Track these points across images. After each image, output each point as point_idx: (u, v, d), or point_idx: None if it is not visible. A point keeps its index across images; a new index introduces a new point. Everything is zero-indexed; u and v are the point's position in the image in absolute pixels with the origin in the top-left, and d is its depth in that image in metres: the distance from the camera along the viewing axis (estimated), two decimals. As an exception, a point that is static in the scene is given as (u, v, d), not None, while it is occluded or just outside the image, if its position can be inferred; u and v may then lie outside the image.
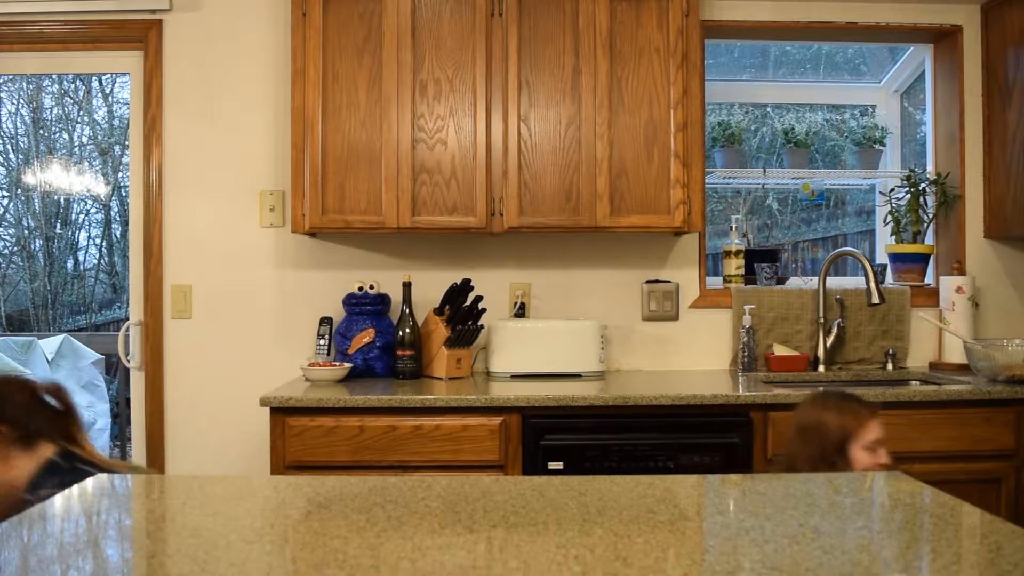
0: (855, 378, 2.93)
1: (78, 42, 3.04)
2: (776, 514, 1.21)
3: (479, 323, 2.79)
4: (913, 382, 2.92)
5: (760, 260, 3.14)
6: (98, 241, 7.50)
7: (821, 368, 2.96)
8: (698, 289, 3.08)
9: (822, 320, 2.98)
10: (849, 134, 3.37)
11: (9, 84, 6.88)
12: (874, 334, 3.05)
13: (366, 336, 2.82)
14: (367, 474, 2.17)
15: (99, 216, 7.45)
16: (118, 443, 5.53)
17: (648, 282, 3.05)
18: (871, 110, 3.45)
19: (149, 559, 1.05)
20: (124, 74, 3.31)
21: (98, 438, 4.92)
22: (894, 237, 3.17)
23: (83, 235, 7.49)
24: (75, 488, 1.37)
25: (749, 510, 1.25)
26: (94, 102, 7.30)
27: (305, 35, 2.68)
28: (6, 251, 7.32)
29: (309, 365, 2.69)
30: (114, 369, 5.88)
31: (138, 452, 3.03)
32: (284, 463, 2.39)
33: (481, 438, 2.39)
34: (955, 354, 2.95)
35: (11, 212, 7.34)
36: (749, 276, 3.13)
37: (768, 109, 3.55)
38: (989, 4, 3.05)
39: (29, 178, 6.95)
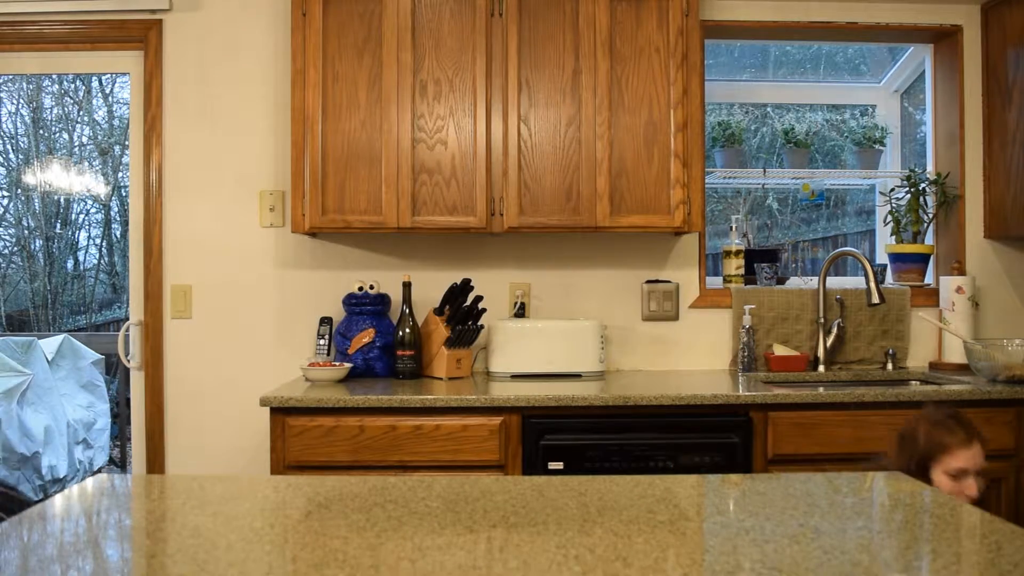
0: (855, 378, 2.93)
1: (78, 42, 3.04)
2: (776, 514, 1.21)
3: (479, 323, 2.79)
4: (913, 382, 2.92)
5: (760, 260, 3.14)
6: (98, 241, 7.50)
7: (821, 368, 2.96)
8: (698, 289, 3.08)
9: (822, 320, 2.98)
10: (849, 134, 3.37)
11: (9, 84, 6.88)
12: (874, 334, 3.05)
13: (366, 336, 2.82)
14: (367, 474, 2.17)
15: (99, 216, 7.46)
16: (118, 443, 5.54)
17: (648, 282, 3.05)
18: (871, 110, 3.45)
19: (149, 559, 1.05)
20: (124, 74, 3.31)
21: (98, 438, 4.91)
22: (894, 237, 3.17)
23: (83, 235, 7.49)
24: (75, 488, 1.37)
25: (749, 510, 1.25)
26: (94, 102, 7.30)
27: (305, 35, 2.68)
28: (6, 251, 7.32)
29: (309, 365, 2.69)
30: (114, 369, 5.88)
31: (138, 452, 3.03)
32: (284, 463, 2.39)
33: (481, 438, 2.39)
34: (955, 354, 2.95)
35: (11, 212, 7.34)
36: (749, 276, 3.13)
37: (768, 109, 3.55)
38: (989, 4, 3.05)
39: (29, 178, 6.95)
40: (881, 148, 3.28)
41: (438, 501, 1.29)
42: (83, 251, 7.51)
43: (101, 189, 7.19)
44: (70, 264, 7.47)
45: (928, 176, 3.19)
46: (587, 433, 2.41)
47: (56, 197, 7.06)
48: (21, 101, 7.06)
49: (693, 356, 3.07)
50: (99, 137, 7.28)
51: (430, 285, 2.99)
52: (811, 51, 3.53)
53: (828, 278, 3.05)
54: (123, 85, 7.08)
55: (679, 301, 3.07)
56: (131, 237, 3.08)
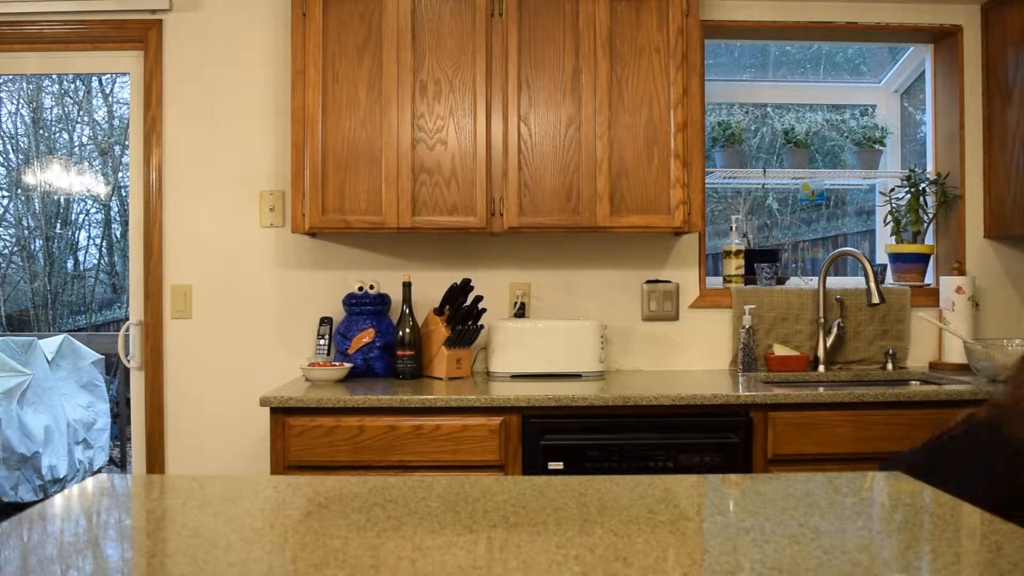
0: (855, 378, 2.93)
1: (78, 42, 3.04)
2: (776, 514, 1.21)
3: (479, 323, 2.79)
4: (913, 382, 2.92)
5: (760, 260, 3.14)
6: (98, 241, 7.50)
7: (821, 368, 2.96)
8: (698, 289, 3.08)
9: (822, 320, 2.98)
10: (849, 134, 3.37)
11: (9, 84, 6.88)
12: (874, 334, 3.05)
13: (366, 336, 2.82)
14: (367, 474, 2.17)
15: (99, 216, 7.46)
16: (118, 443, 5.54)
17: (648, 282, 3.05)
18: (871, 110, 3.45)
19: (149, 559, 1.05)
20: (124, 74, 3.31)
21: (98, 438, 4.91)
22: (894, 237, 3.17)
23: (83, 235, 7.50)
24: (75, 488, 1.37)
25: (749, 510, 1.25)
26: (94, 102, 7.30)
27: (305, 35, 2.68)
28: (6, 251, 7.32)
29: (309, 365, 2.69)
30: (114, 369, 5.88)
31: (138, 452, 3.03)
32: (284, 463, 2.39)
33: (481, 438, 2.39)
34: (955, 354, 2.95)
35: (11, 212, 7.34)
36: (749, 276, 3.13)
37: (768, 109, 3.55)
38: (989, 4, 3.05)
39: (29, 178, 6.95)
40: (881, 148, 3.28)
41: (438, 501, 1.29)
42: (83, 251, 7.52)
43: (101, 189, 7.19)
44: (70, 264, 7.47)
45: (928, 176, 3.19)
46: (587, 433, 2.41)
47: (56, 197, 7.06)
48: (21, 101, 7.06)
49: (693, 356, 3.07)
50: (99, 137, 7.28)
51: (430, 285, 2.99)
52: (811, 51, 3.53)
53: (828, 278, 3.05)
54: (123, 85, 7.08)
55: (679, 301, 3.07)
56: (131, 237, 3.08)
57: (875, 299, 2.79)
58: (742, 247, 3.11)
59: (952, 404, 2.47)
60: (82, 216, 7.47)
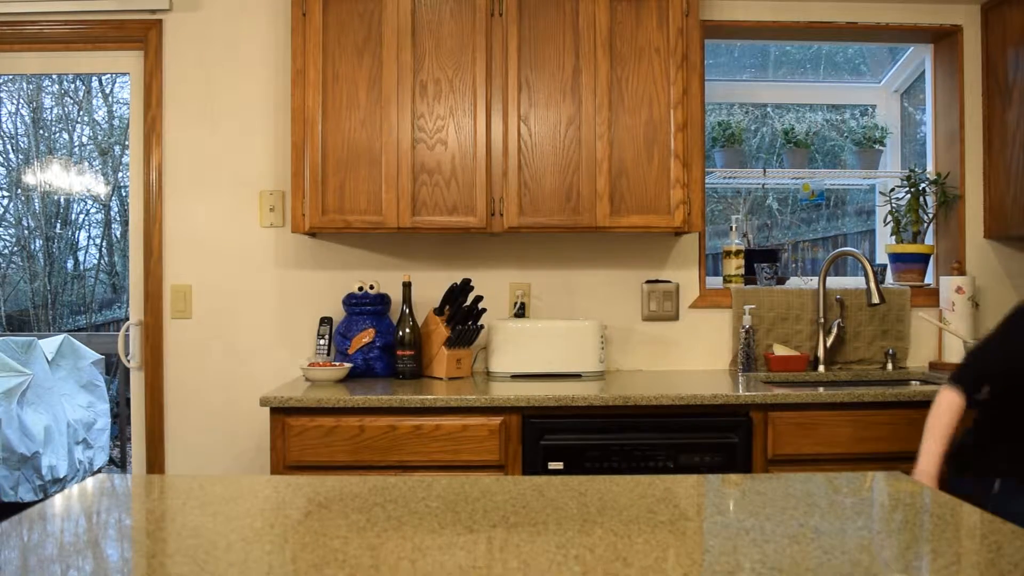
0: (855, 378, 2.93)
1: (78, 42, 3.04)
2: (776, 514, 1.21)
3: (479, 323, 2.79)
4: (913, 382, 2.92)
5: (760, 260, 3.14)
6: (98, 241, 7.51)
7: (821, 368, 2.96)
8: (698, 289, 3.08)
9: (822, 320, 2.98)
10: (849, 134, 3.37)
11: (9, 84, 6.89)
12: (874, 334, 3.05)
13: (366, 336, 2.82)
14: (367, 474, 2.17)
15: (99, 216, 7.46)
16: (118, 443, 5.54)
17: (648, 282, 3.05)
18: (871, 110, 3.45)
19: (149, 559, 1.05)
20: (124, 74, 3.31)
21: (98, 438, 4.91)
22: (894, 237, 3.17)
23: (83, 235, 7.50)
24: (75, 488, 1.37)
25: (749, 510, 1.25)
26: (94, 102, 7.30)
27: (305, 35, 2.68)
28: (6, 251, 7.32)
29: (309, 365, 2.69)
30: (114, 369, 5.88)
31: (138, 452, 3.03)
32: (284, 463, 2.39)
33: (481, 438, 2.39)
34: (955, 354, 2.95)
35: (11, 212, 7.34)
36: (749, 276, 3.13)
37: (768, 109, 3.55)
38: (989, 4, 3.05)
39: (29, 178, 6.95)
40: (881, 148, 3.28)
41: (438, 501, 1.29)
42: (83, 251, 7.52)
43: (101, 189, 7.19)
44: (70, 264, 7.47)
45: (928, 176, 3.19)
46: (587, 433, 2.41)
47: (56, 197, 7.06)
48: (21, 101, 7.06)
49: (693, 356, 3.07)
50: (99, 137, 7.28)
51: (430, 285, 2.99)
52: (811, 51, 3.53)
53: (828, 278, 3.05)
54: (123, 85, 7.08)
55: (679, 301, 3.07)
56: (131, 237, 3.08)
57: (875, 299, 2.79)
58: (742, 247, 3.11)
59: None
60: (82, 216, 7.47)
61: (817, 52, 3.53)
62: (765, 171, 3.23)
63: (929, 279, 3.19)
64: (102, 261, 7.52)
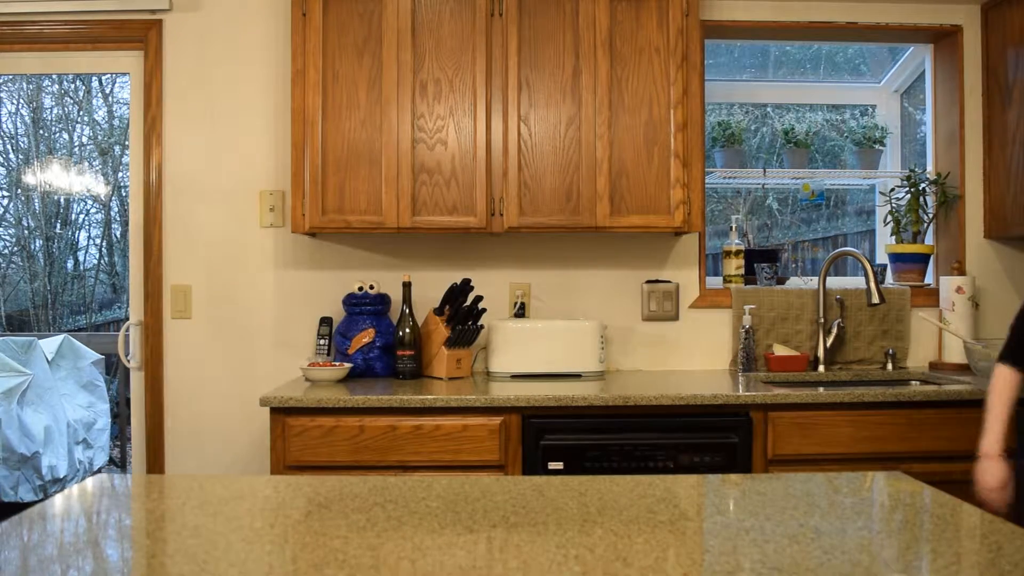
0: (855, 378, 2.93)
1: (78, 42, 3.04)
2: (776, 514, 1.21)
3: (479, 323, 2.79)
4: (913, 382, 2.92)
5: (760, 260, 3.14)
6: (98, 241, 7.50)
7: (821, 368, 2.96)
8: (698, 289, 3.08)
9: (822, 320, 2.98)
10: (849, 134, 3.37)
11: (9, 84, 6.89)
12: (874, 334, 3.05)
13: (366, 336, 2.82)
14: (367, 474, 2.17)
15: (99, 216, 7.46)
16: (118, 443, 5.54)
17: (648, 282, 3.05)
18: (871, 110, 3.45)
19: (149, 559, 1.05)
20: (124, 74, 3.31)
21: (98, 438, 4.91)
22: (894, 237, 3.17)
23: (83, 235, 7.49)
24: (75, 488, 1.37)
25: (749, 510, 1.25)
26: (94, 102, 7.30)
27: (305, 35, 2.68)
28: (6, 251, 7.32)
29: (309, 365, 2.69)
30: (114, 369, 5.88)
31: (138, 452, 3.03)
32: (284, 463, 2.39)
33: (481, 438, 2.39)
34: (955, 354, 2.95)
35: (11, 212, 7.34)
36: (749, 276, 3.13)
37: (768, 109, 3.55)
38: (989, 4, 3.05)
39: (29, 178, 6.95)
40: (881, 148, 3.28)
41: (438, 501, 1.29)
42: (83, 251, 7.52)
43: (101, 189, 7.19)
44: (70, 264, 7.47)
45: (928, 176, 3.19)
46: (587, 433, 2.41)
47: (56, 197, 7.06)
48: (21, 101, 7.06)
49: (693, 356, 3.07)
50: (99, 137, 7.28)
51: (430, 285, 2.99)
52: (811, 51, 3.53)
53: (828, 278, 3.05)
54: (123, 85, 7.08)
55: (679, 301, 3.07)
56: (131, 237, 3.08)
57: (875, 299, 2.79)
58: (742, 247, 3.11)
59: (952, 404, 2.47)
60: (82, 216, 7.47)
61: (817, 52, 3.53)
62: (765, 171, 3.23)
63: (929, 279, 3.19)
64: (102, 261, 7.52)
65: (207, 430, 2.99)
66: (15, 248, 7.29)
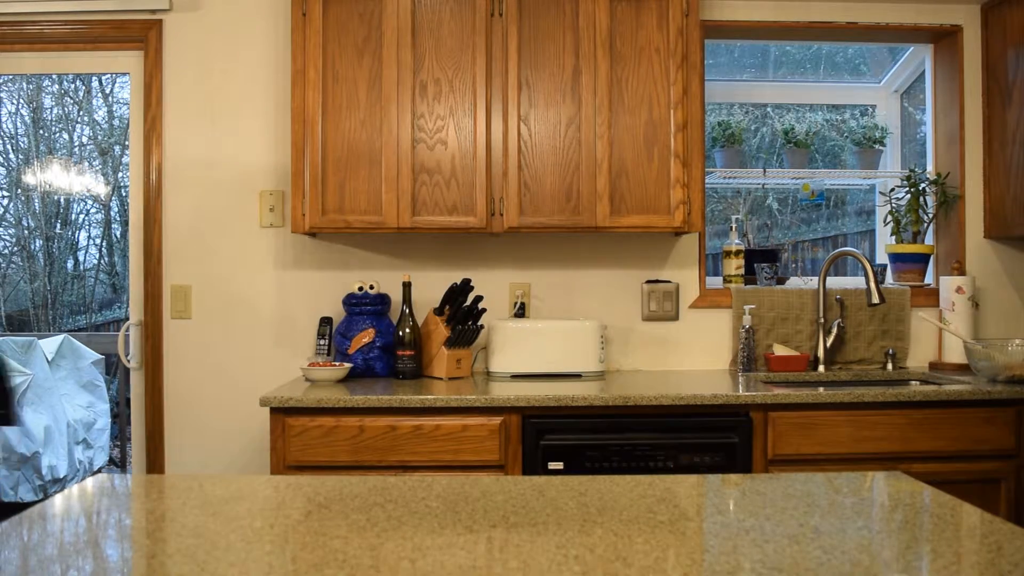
0: (855, 378, 2.93)
1: (78, 42, 3.04)
2: (776, 514, 1.21)
3: (479, 323, 2.79)
4: (913, 382, 2.92)
5: (760, 260, 3.14)
6: (98, 241, 7.50)
7: (821, 368, 2.96)
8: (698, 289, 3.08)
9: (822, 320, 2.98)
10: (849, 134, 3.37)
11: (9, 84, 6.88)
12: (874, 334, 3.05)
13: (366, 336, 2.82)
14: (367, 474, 2.17)
15: (99, 216, 7.46)
16: (118, 443, 5.54)
17: (648, 282, 3.05)
18: (871, 110, 3.45)
19: (149, 559, 1.05)
20: (124, 74, 3.31)
21: (98, 438, 4.91)
22: (894, 237, 3.17)
23: (83, 235, 7.49)
24: (75, 488, 1.37)
25: (749, 510, 1.25)
26: (94, 102, 7.30)
27: (305, 35, 2.68)
28: (6, 251, 7.32)
29: (309, 365, 2.69)
30: (114, 369, 5.88)
31: (138, 452, 3.03)
32: (284, 463, 2.39)
33: (481, 438, 2.39)
34: (955, 354, 2.95)
35: (11, 212, 7.34)
36: (749, 276, 3.13)
37: (768, 109, 3.55)
38: (989, 4, 3.05)
39: (29, 178, 6.95)
40: (881, 148, 3.28)
41: (438, 501, 1.29)
42: (83, 251, 7.51)
43: (101, 189, 7.19)
44: (70, 264, 7.46)
45: (928, 176, 3.19)
46: (587, 433, 2.41)
47: (56, 197, 7.06)
48: (21, 101, 7.06)
49: (693, 356, 3.07)
50: (99, 137, 7.28)
51: (430, 285, 2.99)
52: (811, 51, 3.53)
53: (828, 278, 3.05)
54: (123, 85, 7.08)
55: (679, 301, 3.07)
56: (131, 237, 3.08)
57: (875, 299, 2.79)
58: (742, 247, 3.11)
59: (952, 404, 2.47)
60: (82, 216, 7.47)
61: (817, 52, 3.53)
62: (765, 171, 3.23)
63: (929, 279, 3.19)
64: (102, 261, 7.51)
65: (207, 430, 2.99)
66: (15, 248, 7.29)
